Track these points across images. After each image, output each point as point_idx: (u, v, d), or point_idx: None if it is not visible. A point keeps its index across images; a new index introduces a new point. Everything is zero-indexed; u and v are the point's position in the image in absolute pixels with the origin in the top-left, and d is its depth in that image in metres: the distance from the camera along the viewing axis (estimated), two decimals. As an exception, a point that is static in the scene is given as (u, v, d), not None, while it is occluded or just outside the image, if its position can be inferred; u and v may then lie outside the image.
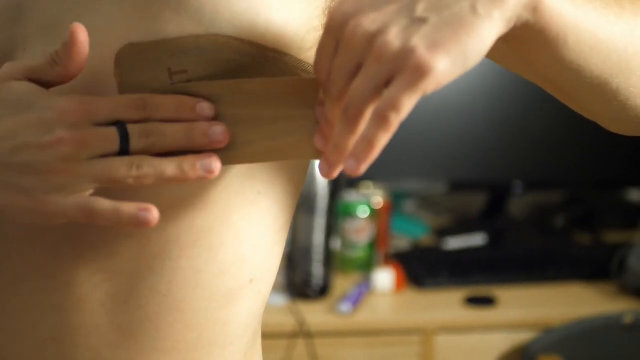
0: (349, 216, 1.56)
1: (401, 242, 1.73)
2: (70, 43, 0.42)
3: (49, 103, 0.42)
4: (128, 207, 0.41)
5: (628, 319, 1.41)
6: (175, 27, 0.44)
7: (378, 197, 1.62)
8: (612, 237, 1.81)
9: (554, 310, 1.46)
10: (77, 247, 0.47)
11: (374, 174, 1.60)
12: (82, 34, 0.42)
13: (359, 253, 1.59)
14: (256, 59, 0.46)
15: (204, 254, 0.49)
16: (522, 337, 1.43)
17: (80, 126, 0.42)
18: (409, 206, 1.86)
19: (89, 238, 0.47)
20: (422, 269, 1.57)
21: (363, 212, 1.57)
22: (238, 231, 0.50)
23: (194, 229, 0.48)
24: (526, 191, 1.81)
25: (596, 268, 1.59)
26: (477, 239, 1.75)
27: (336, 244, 1.60)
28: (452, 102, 1.70)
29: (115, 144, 0.42)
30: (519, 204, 1.92)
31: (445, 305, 1.47)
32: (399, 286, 1.52)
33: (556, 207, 1.90)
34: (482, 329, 1.44)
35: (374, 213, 1.59)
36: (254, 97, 0.44)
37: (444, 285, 1.53)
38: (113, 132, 0.42)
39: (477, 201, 1.89)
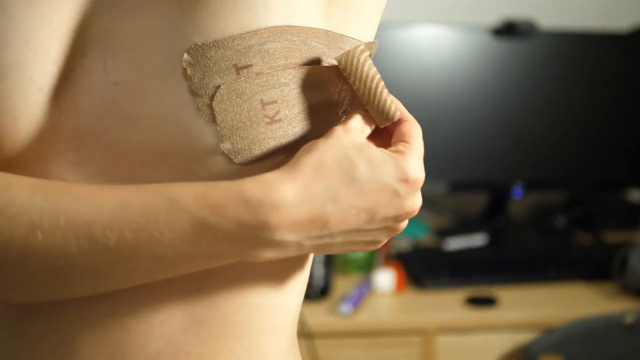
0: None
1: (402, 242, 1.73)
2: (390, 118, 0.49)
3: (402, 174, 0.47)
4: None
5: (629, 319, 1.41)
6: (236, 23, 0.45)
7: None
8: (612, 237, 1.81)
9: (554, 310, 1.46)
10: None
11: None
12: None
13: (360, 254, 1.59)
14: (308, 41, 0.48)
15: None
16: (523, 337, 1.43)
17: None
18: (410, 207, 1.86)
19: None
20: (422, 269, 1.57)
21: (363, 212, 1.57)
22: None
23: None
24: (527, 191, 1.81)
25: (597, 268, 1.60)
26: (477, 240, 1.75)
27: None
28: (453, 102, 1.70)
29: None
30: (520, 204, 1.93)
31: (445, 305, 1.47)
32: (399, 287, 1.52)
33: (557, 208, 1.91)
34: (482, 329, 1.44)
35: (375, 213, 1.58)
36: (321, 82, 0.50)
37: (444, 285, 1.53)
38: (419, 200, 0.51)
39: (477, 201, 1.89)
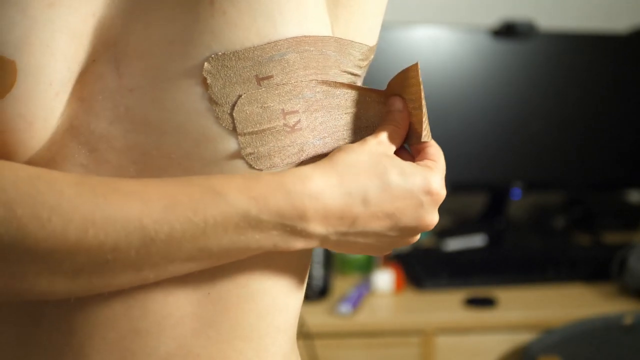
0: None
1: (401, 243, 1.73)
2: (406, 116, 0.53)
3: (428, 186, 0.51)
4: None
5: (628, 320, 1.41)
6: (256, 33, 0.46)
7: (378, 198, 1.62)
8: (611, 238, 1.81)
9: (554, 311, 1.46)
10: None
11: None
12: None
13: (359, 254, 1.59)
14: (323, 50, 0.50)
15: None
16: (522, 338, 1.43)
17: None
18: (409, 207, 1.86)
19: None
20: (421, 270, 1.57)
21: (363, 213, 1.57)
22: None
23: None
24: (526, 192, 1.81)
25: (596, 269, 1.60)
26: (477, 240, 1.75)
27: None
28: (452, 103, 1.70)
29: None
30: (519, 205, 1.93)
31: (445, 306, 1.47)
32: (398, 287, 1.52)
33: (556, 208, 1.91)
34: (482, 330, 1.44)
35: (374, 214, 1.59)
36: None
37: (443, 286, 1.53)
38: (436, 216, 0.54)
39: (476, 202, 1.89)
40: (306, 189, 0.46)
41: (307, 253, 0.56)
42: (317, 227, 0.47)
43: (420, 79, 0.53)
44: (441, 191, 0.51)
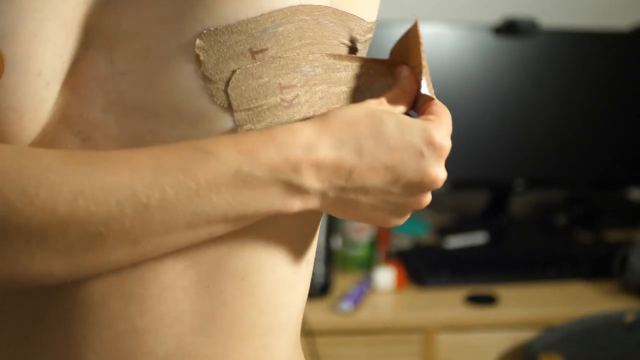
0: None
1: (402, 240, 1.73)
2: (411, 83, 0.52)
3: (429, 137, 0.48)
4: None
5: (629, 318, 1.41)
6: (250, 4, 0.45)
7: (379, 196, 1.62)
8: (613, 235, 1.81)
9: (555, 308, 1.46)
10: None
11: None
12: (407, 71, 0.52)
13: (360, 251, 1.59)
14: (319, 20, 0.48)
15: (276, 233, 0.51)
16: (523, 335, 1.43)
17: None
18: (410, 205, 1.86)
19: None
20: (423, 267, 1.57)
21: (364, 210, 1.57)
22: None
23: None
24: (528, 190, 1.81)
25: (597, 266, 1.60)
26: (478, 238, 1.75)
27: (337, 243, 1.60)
28: (454, 101, 1.70)
29: None
30: (521, 202, 1.92)
31: (446, 303, 1.47)
32: (399, 285, 1.52)
33: (558, 206, 1.90)
34: (483, 327, 1.44)
35: (375, 212, 1.58)
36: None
37: (445, 283, 1.53)
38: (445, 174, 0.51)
39: (478, 200, 1.89)
40: (297, 140, 0.45)
41: (309, 244, 0.55)
42: (313, 181, 0.45)
43: (421, 39, 0.51)
44: (444, 142, 0.48)
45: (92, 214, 0.40)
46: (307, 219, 0.54)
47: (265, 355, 0.52)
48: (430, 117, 0.50)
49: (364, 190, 0.48)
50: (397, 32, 1.65)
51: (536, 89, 1.74)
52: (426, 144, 0.48)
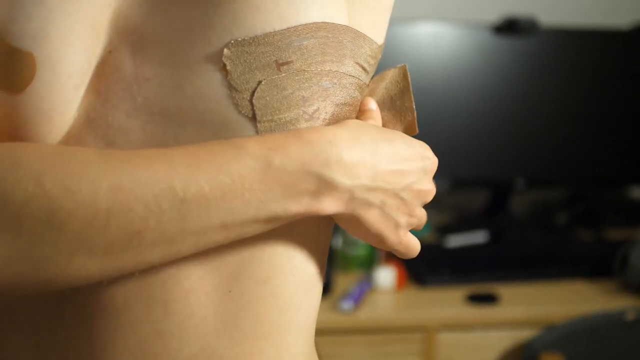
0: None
1: (403, 239, 1.72)
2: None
3: (426, 153, 0.52)
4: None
5: (630, 316, 1.41)
6: (278, 17, 0.45)
7: (379, 195, 1.62)
8: (614, 234, 1.81)
9: (555, 307, 1.46)
10: None
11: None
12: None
13: (361, 251, 1.59)
14: (339, 38, 0.50)
15: (295, 236, 0.51)
16: (523, 334, 1.43)
17: None
18: (411, 204, 1.86)
19: None
20: (423, 266, 1.57)
21: (364, 209, 1.57)
22: None
23: None
24: (528, 188, 1.80)
25: (598, 265, 1.60)
26: (478, 237, 1.75)
27: (337, 242, 1.60)
28: (454, 99, 1.70)
29: None
30: (521, 201, 1.92)
31: (446, 302, 1.47)
32: (400, 284, 1.52)
33: (558, 205, 1.90)
34: (483, 326, 1.44)
35: (376, 211, 1.59)
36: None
37: (445, 282, 1.53)
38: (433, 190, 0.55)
39: (478, 198, 1.89)
40: (324, 136, 0.46)
41: (324, 248, 0.55)
42: (343, 177, 0.46)
43: (409, 84, 0.56)
44: (434, 159, 0.53)
45: (131, 209, 0.41)
46: (324, 224, 0.54)
47: (286, 355, 0.52)
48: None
49: (384, 191, 0.49)
50: (398, 31, 1.65)
51: (536, 87, 1.74)
52: (425, 158, 0.52)
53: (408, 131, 0.56)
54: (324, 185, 0.46)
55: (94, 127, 0.46)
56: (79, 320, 0.48)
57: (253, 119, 0.46)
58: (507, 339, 1.44)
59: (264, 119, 0.46)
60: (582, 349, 1.36)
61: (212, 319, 0.49)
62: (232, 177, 0.43)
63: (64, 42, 0.43)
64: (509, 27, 1.70)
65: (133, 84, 0.45)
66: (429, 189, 0.53)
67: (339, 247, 1.60)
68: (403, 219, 0.52)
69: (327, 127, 0.47)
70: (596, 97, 1.77)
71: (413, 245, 0.55)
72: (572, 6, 1.92)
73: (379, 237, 0.52)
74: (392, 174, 0.49)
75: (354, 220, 0.50)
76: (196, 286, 0.48)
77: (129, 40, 0.45)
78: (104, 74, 0.45)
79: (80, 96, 0.45)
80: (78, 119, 0.45)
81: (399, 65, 0.56)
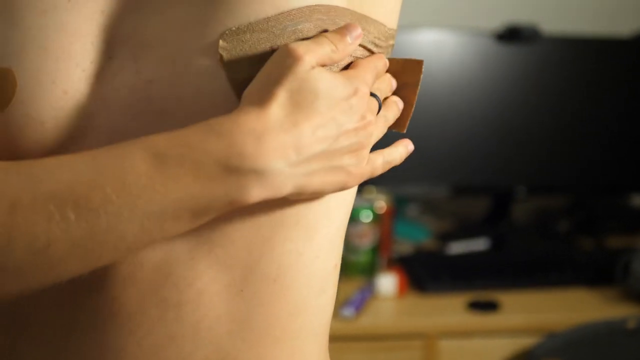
0: (351, 221, 1.56)
1: (404, 246, 1.73)
2: (350, 37, 0.47)
3: (349, 89, 0.46)
4: (394, 149, 0.53)
5: (631, 324, 1.41)
6: (270, 4, 0.45)
7: (381, 202, 1.62)
8: (615, 242, 1.81)
9: (557, 315, 1.46)
10: (192, 241, 0.47)
11: (377, 179, 1.60)
12: (358, 29, 0.48)
13: (362, 257, 1.59)
14: (336, 20, 0.49)
15: (302, 235, 0.50)
16: (525, 342, 1.43)
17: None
18: (412, 211, 1.86)
19: (204, 232, 0.47)
20: (425, 273, 1.57)
21: (366, 216, 1.57)
22: (329, 209, 0.52)
23: (294, 209, 0.49)
24: (529, 196, 1.81)
25: (599, 273, 1.59)
26: (480, 244, 1.75)
27: (339, 249, 1.60)
28: (455, 107, 1.70)
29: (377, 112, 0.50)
30: (522, 208, 1.92)
31: (448, 309, 1.47)
32: (401, 291, 1.52)
33: (559, 212, 1.90)
34: (485, 333, 1.44)
35: (377, 218, 1.59)
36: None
37: (446, 289, 1.53)
38: (377, 104, 0.50)
39: (480, 206, 1.89)
40: (241, 127, 0.42)
41: (338, 249, 0.55)
42: (267, 161, 0.42)
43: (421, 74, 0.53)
44: (363, 84, 0.47)
45: (33, 224, 0.39)
46: (333, 222, 0.54)
47: (299, 358, 0.52)
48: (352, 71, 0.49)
49: (315, 158, 0.45)
50: (400, 39, 1.65)
51: (538, 95, 1.74)
52: (349, 97, 0.47)
53: (397, 126, 0.54)
54: (246, 173, 0.42)
55: (96, 132, 0.46)
56: (91, 326, 0.48)
57: None
58: (508, 346, 1.44)
59: None
60: (583, 357, 1.36)
61: (225, 320, 0.48)
62: (142, 180, 0.40)
63: (42, 54, 0.44)
64: (511, 35, 1.70)
65: (136, 87, 0.45)
66: (365, 118, 0.47)
67: (340, 253, 1.60)
68: (351, 161, 0.48)
69: (239, 114, 0.43)
70: (598, 104, 1.78)
71: (378, 168, 0.51)
72: (574, 14, 1.93)
73: (338, 189, 0.48)
74: (314, 138, 0.44)
75: (305, 192, 0.46)
76: (208, 287, 0.48)
77: (129, 44, 0.45)
78: (106, 79, 0.46)
79: (76, 102, 0.45)
80: (83, 125, 0.46)
81: (418, 59, 0.53)
